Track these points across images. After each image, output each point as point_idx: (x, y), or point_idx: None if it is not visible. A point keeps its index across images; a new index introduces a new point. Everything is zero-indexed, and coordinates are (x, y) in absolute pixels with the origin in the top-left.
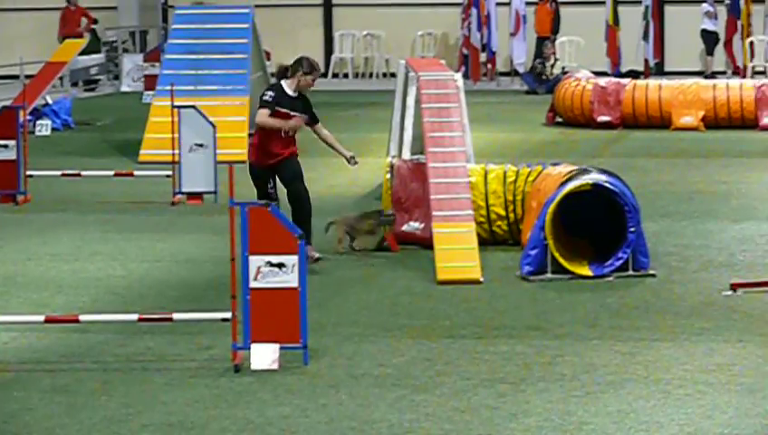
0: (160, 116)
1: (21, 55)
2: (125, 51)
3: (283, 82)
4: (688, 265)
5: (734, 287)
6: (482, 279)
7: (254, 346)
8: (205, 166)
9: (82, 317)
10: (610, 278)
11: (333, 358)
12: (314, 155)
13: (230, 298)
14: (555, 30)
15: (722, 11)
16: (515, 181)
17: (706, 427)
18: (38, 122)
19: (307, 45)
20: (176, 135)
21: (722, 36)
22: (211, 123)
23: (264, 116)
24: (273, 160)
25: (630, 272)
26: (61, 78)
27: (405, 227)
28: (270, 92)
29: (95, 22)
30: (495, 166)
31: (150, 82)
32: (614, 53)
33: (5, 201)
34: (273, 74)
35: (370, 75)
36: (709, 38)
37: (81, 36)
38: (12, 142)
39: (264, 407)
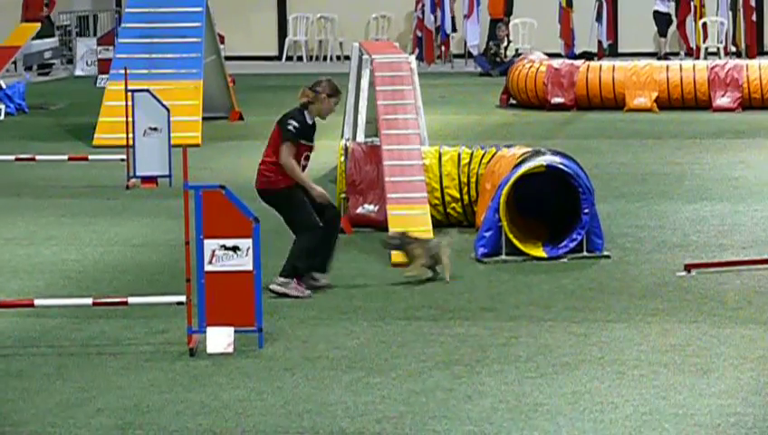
0: (114, 100)
1: None
2: (78, 35)
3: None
4: (642, 246)
5: (687, 268)
6: None
7: (209, 330)
8: (159, 149)
9: (37, 302)
10: (565, 260)
11: (288, 341)
12: (265, 138)
13: (185, 282)
14: (508, 12)
15: None
16: (469, 163)
17: (661, 407)
18: None
19: (261, 28)
20: (130, 119)
21: (675, 17)
22: (165, 107)
23: (291, 157)
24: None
25: (585, 253)
26: (14, 62)
27: (359, 210)
28: (294, 122)
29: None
30: (450, 148)
31: (104, 65)
32: (567, 34)
33: None
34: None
35: (324, 58)
36: (662, 19)
37: (43, 21)
38: None
39: (220, 390)
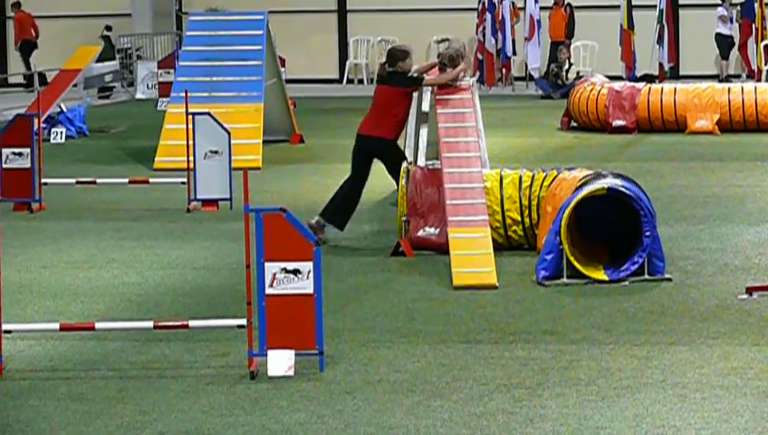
0: (175, 123)
1: (35, 63)
2: (139, 58)
3: None
4: (704, 268)
5: (749, 291)
6: (498, 284)
7: (270, 353)
8: (220, 173)
9: (98, 325)
10: (626, 283)
11: (349, 364)
12: (330, 161)
13: (246, 305)
14: (570, 34)
15: (736, 14)
16: (531, 186)
17: (723, 430)
18: (53, 130)
19: (321, 51)
20: (190, 142)
21: (736, 40)
22: (226, 130)
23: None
24: None
25: (646, 276)
26: (75, 85)
27: (420, 233)
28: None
29: (108, 28)
30: (510, 171)
31: (165, 89)
32: (629, 57)
33: (20, 209)
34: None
35: None
36: (723, 42)
37: (33, 41)
38: (26, 150)
39: (281, 414)
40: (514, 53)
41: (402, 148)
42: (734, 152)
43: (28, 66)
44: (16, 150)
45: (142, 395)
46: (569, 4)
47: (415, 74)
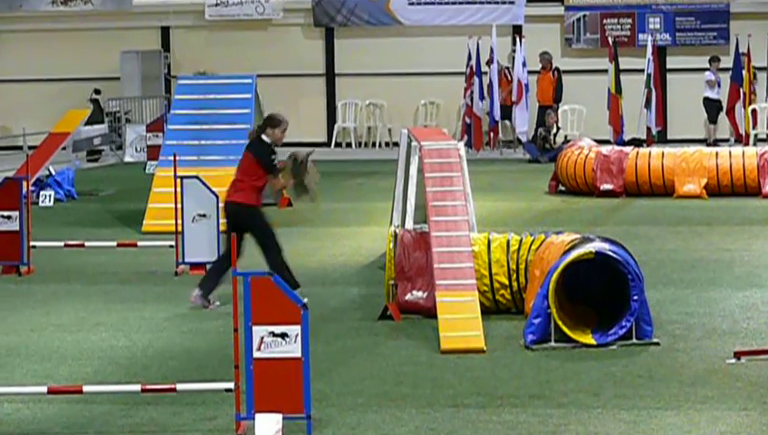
0: (163, 186)
1: (24, 126)
2: (128, 121)
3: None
4: (692, 333)
5: (737, 355)
6: (485, 348)
7: (257, 417)
8: (208, 236)
9: (86, 388)
10: (614, 347)
11: (337, 428)
12: (318, 225)
13: (233, 368)
14: (557, 98)
15: (724, 79)
16: (518, 250)
17: None
18: (41, 193)
19: (310, 115)
20: (179, 205)
21: (724, 104)
22: (214, 193)
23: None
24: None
25: (634, 340)
26: (64, 148)
27: (408, 297)
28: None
29: (97, 92)
30: (498, 235)
31: (153, 152)
32: (616, 121)
33: (9, 272)
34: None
35: (373, 144)
36: (711, 106)
37: None
38: (15, 213)
39: None
40: (503, 118)
41: (390, 211)
42: (722, 216)
43: None
44: (5, 213)
45: None
46: (557, 69)
47: (277, 162)
